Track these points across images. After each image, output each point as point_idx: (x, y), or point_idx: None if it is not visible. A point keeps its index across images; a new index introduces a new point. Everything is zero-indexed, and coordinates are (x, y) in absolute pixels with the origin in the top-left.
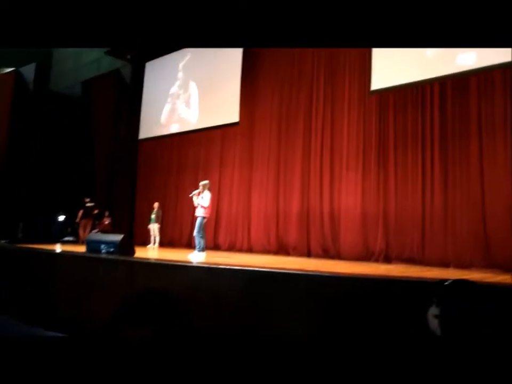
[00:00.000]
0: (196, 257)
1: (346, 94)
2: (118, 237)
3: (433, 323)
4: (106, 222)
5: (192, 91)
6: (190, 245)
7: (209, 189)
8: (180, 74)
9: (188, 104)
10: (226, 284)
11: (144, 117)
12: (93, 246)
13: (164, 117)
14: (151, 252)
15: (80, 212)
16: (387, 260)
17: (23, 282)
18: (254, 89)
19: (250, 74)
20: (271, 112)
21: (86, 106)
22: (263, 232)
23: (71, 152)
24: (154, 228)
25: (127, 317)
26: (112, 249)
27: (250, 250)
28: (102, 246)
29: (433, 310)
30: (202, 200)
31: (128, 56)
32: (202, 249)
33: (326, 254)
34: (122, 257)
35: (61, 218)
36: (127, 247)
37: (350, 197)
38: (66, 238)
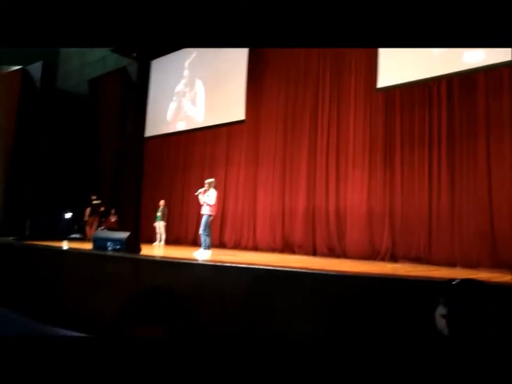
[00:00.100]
0: (202, 255)
1: (352, 92)
2: (124, 235)
3: (441, 323)
4: (113, 220)
5: (198, 89)
6: (195, 243)
7: (215, 187)
8: (186, 72)
9: (193, 102)
10: (231, 282)
11: (150, 115)
12: (100, 243)
13: (169, 115)
14: (157, 249)
15: (88, 210)
16: (393, 258)
17: (30, 279)
18: (260, 87)
19: (256, 72)
20: (277, 110)
21: (92, 104)
22: (269, 231)
23: (78, 150)
24: (160, 226)
25: (134, 315)
26: (118, 247)
27: (255, 248)
28: (108, 244)
29: (440, 310)
30: (208, 198)
31: (134, 54)
32: (208, 247)
33: (332, 252)
34: (128, 255)
35: (68, 215)
36: (133, 244)
37: (356, 195)
38: (73, 235)
